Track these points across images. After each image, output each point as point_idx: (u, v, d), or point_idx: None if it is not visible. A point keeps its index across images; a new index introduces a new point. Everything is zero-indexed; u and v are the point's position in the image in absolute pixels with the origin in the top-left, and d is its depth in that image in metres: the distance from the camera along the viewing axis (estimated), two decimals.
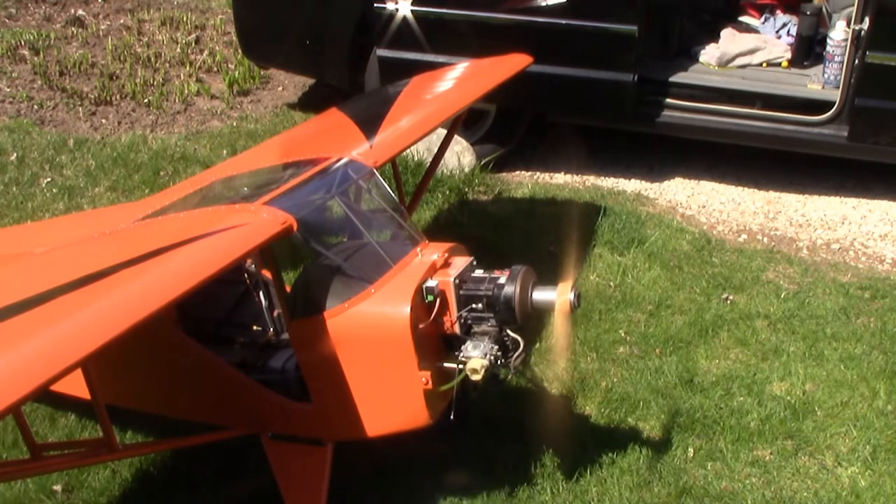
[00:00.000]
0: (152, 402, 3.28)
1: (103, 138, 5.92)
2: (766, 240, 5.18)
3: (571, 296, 2.76)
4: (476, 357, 2.72)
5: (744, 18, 6.07)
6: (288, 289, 3.08)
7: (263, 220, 2.73)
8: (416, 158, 5.31)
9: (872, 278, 4.76)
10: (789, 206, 5.51)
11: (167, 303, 2.27)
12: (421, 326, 2.71)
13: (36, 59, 6.68)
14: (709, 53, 5.65)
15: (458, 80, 4.39)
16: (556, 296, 2.77)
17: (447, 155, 4.84)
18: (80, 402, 3.09)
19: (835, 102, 5.14)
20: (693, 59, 5.69)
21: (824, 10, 5.63)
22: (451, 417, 2.83)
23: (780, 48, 5.71)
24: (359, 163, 3.19)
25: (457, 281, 2.78)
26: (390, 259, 2.86)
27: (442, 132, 4.31)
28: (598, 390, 3.85)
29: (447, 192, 5.32)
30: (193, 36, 7.38)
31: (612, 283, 4.58)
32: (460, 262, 2.87)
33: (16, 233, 4.35)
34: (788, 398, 3.83)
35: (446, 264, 2.86)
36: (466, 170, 5.52)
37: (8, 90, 6.35)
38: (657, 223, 5.16)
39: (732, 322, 4.32)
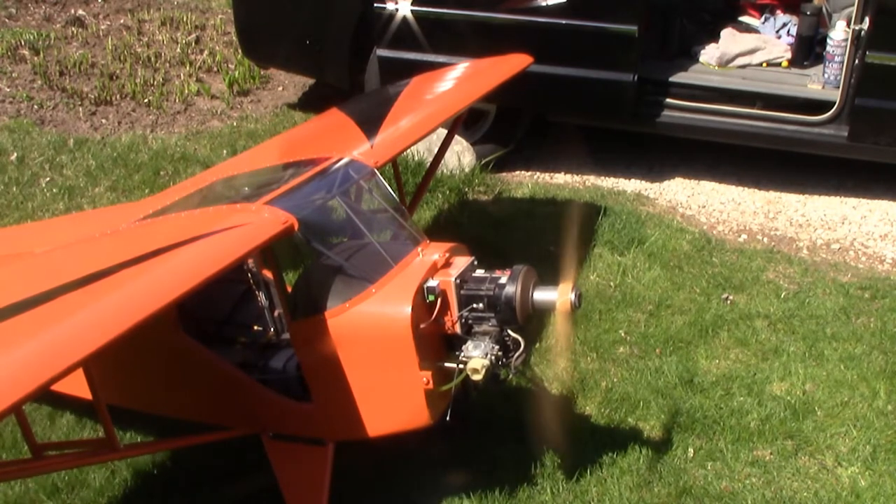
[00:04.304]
0: (153, 402, 3.28)
1: (103, 138, 5.92)
2: (766, 240, 5.18)
3: (572, 296, 2.76)
4: (477, 357, 2.73)
5: (744, 18, 6.07)
6: (289, 289, 3.08)
7: (264, 220, 2.73)
8: (416, 158, 5.32)
9: (872, 278, 4.76)
10: (789, 206, 5.52)
11: (168, 303, 2.27)
12: (422, 326, 2.71)
13: (36, 59, 6.68)
14: (709, 53, 5.65)
15: (458, 81, 4.39)
16: (558, 296, 2.78)
17: (447, 155, 4.84)
18: (81, 401, 3.10)
19: (835, 102, 5.14)
20: (693, 59, 5.69)
21: (824, 10, 5.63)
22: (451, 417, 2.84)
23: (780, 48, 5.71)
24: (360, 163, 3.20)
25: (458, 281, 2.78)
26: (391, 259, 2.86)
27: (442, 132, 4.31)
28: (598, 390, 3.85)
29: (447, 192, 5.32)
30: (193, 36, 7.38)
31: (612, 283, 4.59)
32: (461, 262, 2.87)
33: (16, 233, 4.34)
34: (788, 398, 3.83)
35: (447, 264, 2.86)
36: (466, 170, 5.52)
37: (8, 90, 6.34)
38: (657, 223, 5.16)
39: (732, 322, 4.32)
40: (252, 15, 6.08)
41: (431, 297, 2.75)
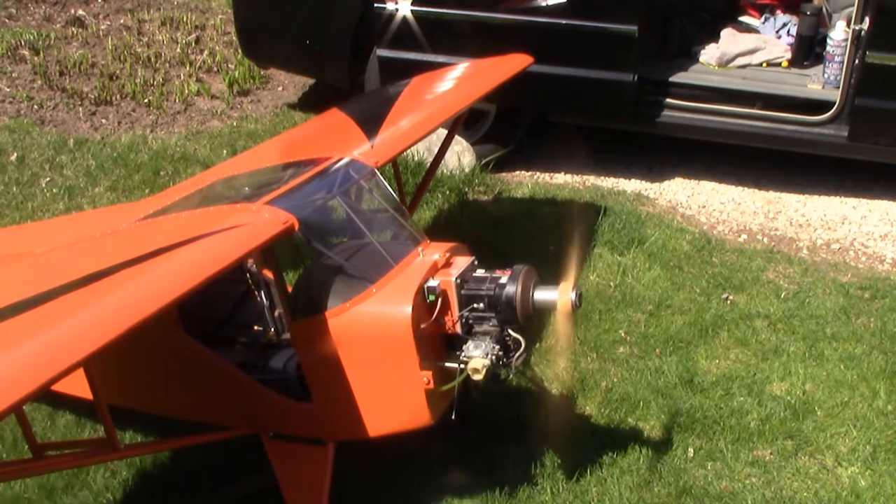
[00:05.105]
0: (154, 402, 3.28)
1: (103, 138, 5.92)
2: (766, 240, 5.19)
3: (573, 295, 2.76)
4: (477, 357, 2.73)
5: (744, 18, 6.07)
6: (289, 289, 3.08)
7: (265, 220, 2.73)
8: (416, 158, 5.32)
9: (872, 278, 4.76)
10: (789, 206, 5.52)
11: (169, 302, 2.27)
12: (422, 326, 2.71)
13: (36, 59, 6.68)
14: (709, 53, 5.65)
15: (458, 81, 4.39)
16: (558, 296, 2.77)
17: (447, 155, 4.84)
18: (81, 401, 3.10)
19: (835, 102, 5.14)
20: (693, 59, 5.69)
21: (824, 10, 5.63)
22: (453, 417, 2.84)
23: (780, 48, 5.71)
24: (360, 163, 3.20)
25: (458, 281, 2.78)
26: (392, 259, 2.86)
27: (442, 132, 4.31)
28: (598, 390, 3.85)
29: (447, 192, 5.32)
30: (193, 36, 7.38)
31: (612, 283, 4.59)
32: (462, 262, 2.87)
33: (16, 233, 4.34)
34: (788, 398, 3.83)
35: (448, 264, 2.86)
36: (466, 170, 5.53)
37: (8, 90, 6.34)
38: (657, 223, 5.16)
39: (732, 322, 4.32)
40: (252, 15, 6.08)
41: (432, 297, 2.75)
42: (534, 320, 2.90)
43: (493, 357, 2.74)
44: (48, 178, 5.40)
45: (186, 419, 3.26)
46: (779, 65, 5.67)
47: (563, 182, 5.73)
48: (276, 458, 3.08)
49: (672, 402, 3.78)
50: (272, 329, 3.42)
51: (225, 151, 5.77)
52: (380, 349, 2.75)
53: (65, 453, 2.94)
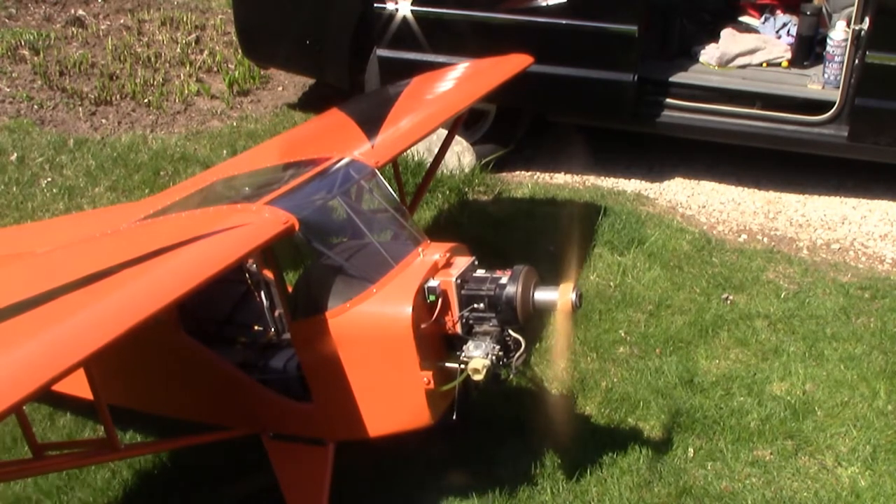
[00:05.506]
0: (154, 402, 3.28)
1: (103, 138, 5.92)
2: (766, 240, 5.19)
3: (573, 296, 2.76)
4: (478, 357, 2.73)
5: (744, 18, 6.07)
6: (289, 289, 3.08)
7: (265, 220, 2.74)
8: (416, 159, 5.32)
9: (872, 278, 4.76)
10: (789, 206, 5.52)
11: (169, 303, 2.28)
12: (423, 326, 2.72)
13: (36, 59, 6.68)
14: (709, 53, 5.65)
15: (458, 81, 4.39)
16: (558, 296, 2.78)
17: (447, 155, 4.84)
18: (81, 401, 3.10)
19: (835, 102, 5.15)
20: (693, 59, 5.69)
21: (824, 10, 5.63)
22: (453, 417, 2.84)
23: (780, 48, 5.71)
24: (360, 163, 3.20)
25: (458, 281, 2.78)
26: (392, 259, 2.86)
27: (442, 132, 4.31)
28: (598, 390, 3.85)
29: (447, 192, 5.32)
30: (193, 36, 7.38)
31: (612, 283, 4.59)
32: (462, 262, 2.87)
33: (16, 233, 4.35)
34: (788, 398, 3.83)
35: (448, 264, 2.87)
36: (466, 170, 5.53)
37: (8, 90, 6.34)
38: (657, 223, 5.16)
39: (732, 322, 4.32)
40: (252, 15, 6.08)
41: (432, 298, 2.75)
42: (534, 320, 2.90)
43: (494, 357, 2.74)
44: (48, 178, 5.40)
45: (186, 419, 3.26)
46: (779, 65, 5.67)
47: (563, 182, 5.73)
48: (276, 458, 3.08)
49: (672, 402, 3.78)
50: (272, 329, 3.42)
51: (225, 151, 5.77)
52: (380, 349, 2.75)
53: (65, 453, 2.94)
